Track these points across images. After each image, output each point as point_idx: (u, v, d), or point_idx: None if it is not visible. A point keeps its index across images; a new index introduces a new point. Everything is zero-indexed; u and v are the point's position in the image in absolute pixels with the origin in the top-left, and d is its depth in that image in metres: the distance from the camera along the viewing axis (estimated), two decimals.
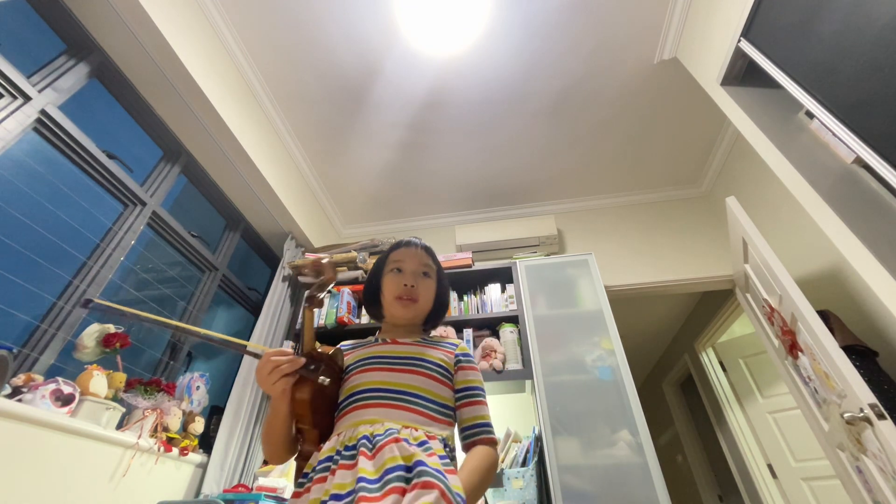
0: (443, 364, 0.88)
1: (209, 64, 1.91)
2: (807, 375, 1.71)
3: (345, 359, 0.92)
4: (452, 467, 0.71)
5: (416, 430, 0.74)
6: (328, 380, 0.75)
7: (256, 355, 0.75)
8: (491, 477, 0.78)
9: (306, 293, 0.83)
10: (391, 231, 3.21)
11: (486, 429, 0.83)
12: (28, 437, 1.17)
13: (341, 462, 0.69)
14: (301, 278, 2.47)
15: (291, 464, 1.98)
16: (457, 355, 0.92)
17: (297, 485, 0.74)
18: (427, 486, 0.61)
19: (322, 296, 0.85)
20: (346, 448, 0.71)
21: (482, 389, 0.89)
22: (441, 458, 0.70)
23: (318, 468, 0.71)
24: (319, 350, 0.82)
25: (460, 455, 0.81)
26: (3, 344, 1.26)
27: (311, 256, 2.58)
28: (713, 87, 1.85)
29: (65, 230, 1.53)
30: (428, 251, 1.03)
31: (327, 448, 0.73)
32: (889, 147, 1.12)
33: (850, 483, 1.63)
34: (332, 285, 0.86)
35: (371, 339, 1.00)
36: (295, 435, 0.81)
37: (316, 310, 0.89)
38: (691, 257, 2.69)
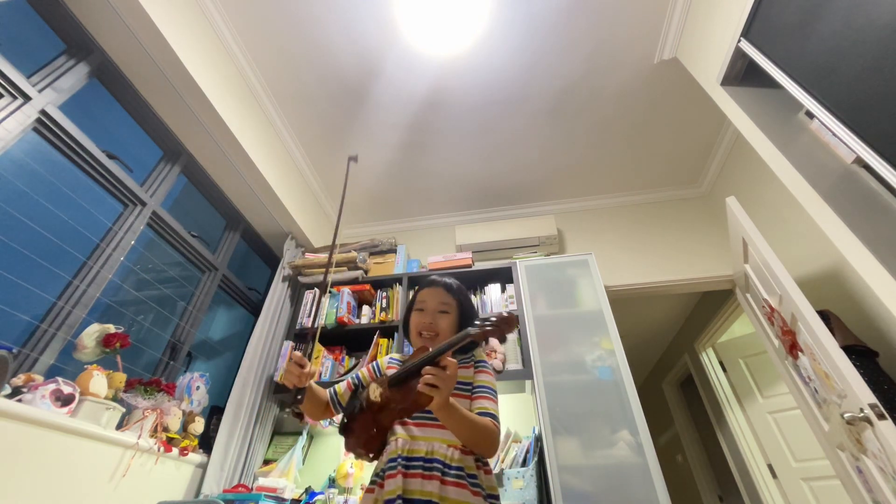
0: (468, 381, 1.02)
1: (209, 64, 1.91)
2: (807, 375, 1.71)
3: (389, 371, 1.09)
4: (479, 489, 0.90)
5: (457, 448, 0.92)
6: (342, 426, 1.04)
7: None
8: (483, 435, 0.90)
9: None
10: (391, 231, 3.21)
11: (488, 414, 0.94)
12: (28, 437, 1.17)
13: (411, 470, 0.88)
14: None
15: (291, 464, 1.98)
16: (475, 364, 1.07)
17: (371, 482, 0.95)
18: None
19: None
20: (406, 458, 0.91)
21: (488, 388, 1.02)
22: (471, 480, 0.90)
23: (387, 468, 0.91)
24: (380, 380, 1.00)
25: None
26: (3, 344, 1.26)
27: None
28: (713, 87, 1.85)
29: (65, 230, 1.53)
30: (448, 289, 1.13)
31: (391, 451, 0.93)
32: (889, 147, 1.12)
33: (850, 483, 1.63)
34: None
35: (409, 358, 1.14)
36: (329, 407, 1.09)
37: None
38: (691, 257, 2.69)
